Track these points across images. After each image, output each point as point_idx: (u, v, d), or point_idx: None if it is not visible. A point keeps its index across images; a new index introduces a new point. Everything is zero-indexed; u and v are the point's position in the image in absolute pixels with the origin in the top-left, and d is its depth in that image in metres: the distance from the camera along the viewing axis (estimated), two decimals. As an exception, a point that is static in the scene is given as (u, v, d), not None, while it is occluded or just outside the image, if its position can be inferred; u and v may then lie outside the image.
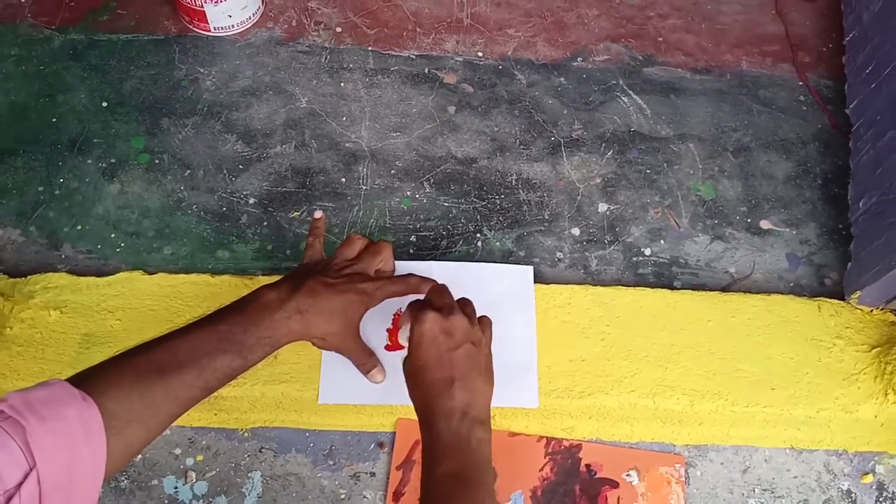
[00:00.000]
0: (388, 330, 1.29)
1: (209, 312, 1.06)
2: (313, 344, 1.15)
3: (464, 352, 1.07)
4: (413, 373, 1.09)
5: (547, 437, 1.35)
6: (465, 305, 1.16)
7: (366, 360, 1.21)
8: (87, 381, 0.89)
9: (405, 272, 1.30)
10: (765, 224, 1.51)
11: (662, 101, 1.64)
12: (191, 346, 0.99)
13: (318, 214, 1.26)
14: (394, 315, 1.30)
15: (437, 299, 1.14)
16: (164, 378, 0.95)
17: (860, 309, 1.38)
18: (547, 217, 1.48)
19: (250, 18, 1.65)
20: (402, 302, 1.30)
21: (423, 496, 1.00)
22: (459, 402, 1.03)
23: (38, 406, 0.80)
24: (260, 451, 1.34)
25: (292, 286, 1.10)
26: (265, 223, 1.44)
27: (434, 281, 1.24)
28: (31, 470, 0.76)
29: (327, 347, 1.17)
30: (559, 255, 1.45)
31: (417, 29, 1.70)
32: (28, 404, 0.80)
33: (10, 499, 0.74)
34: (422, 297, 1.21)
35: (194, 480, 1.31)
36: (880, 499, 1.37)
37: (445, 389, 1.04)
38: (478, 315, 1.16)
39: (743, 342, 1.33)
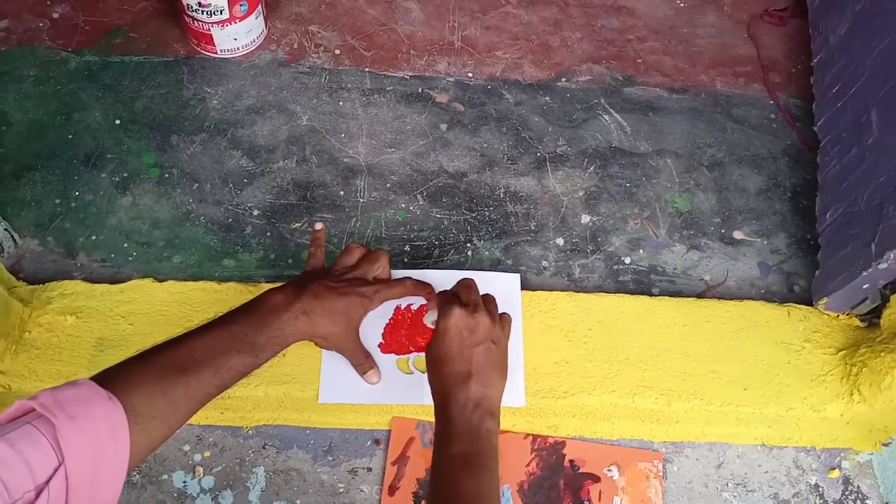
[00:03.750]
0: (383, 329, 1.30)
1: (221, 314, 1.07)
2: (315, 343, 1.18)
3: (483, 349, 1.09)
4: (434, 361, 1.11)
5: (533, 435, 1.35)
6: (488, 303, 1.17)
7: (363, 361, 1.23)
8: (113, 379, 0.89)
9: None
10: (738, 234, 1.51)
11: (641, 118, 1.64)
12: (207, 346, 1.01)
13: (318, 226, 1.27)
14: (390, 318, 1.31)
15: (465, 294, 1.16)
16: (184, 376, 0.96)
17: (827, 314, 1.38)
18: (533, 228, 1.49)
19: (254, 41, 1.66)
20: (399, 303, 1.31)
21: (433, 473, 1.02)
22: (474, 394, 1.05)
23: (66, 404, 0.81)
24: (263, 448, 1.34)
25: (298, 289, 1.11)
26: (268, 233, 1.44)
27: (429, 285, 1.25)
28: (59, 465, 0.77)
29: (329, 347, 1.19)
30: (544, 263, 1.45)
31: (411, 51, 1.70)
32: (58, 403, 0.80)
33: (39, 493, 0.75)
34: (421, 300, 1.26)
35: (202, 475, 1.31)
36: (846, 492, 1.37)
37: (463, 381, 1.06)
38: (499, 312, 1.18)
39: (717, 345, 1.34)
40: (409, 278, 1.25)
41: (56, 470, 0.77)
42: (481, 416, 1.04)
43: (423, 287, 1.26)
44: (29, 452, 0.76)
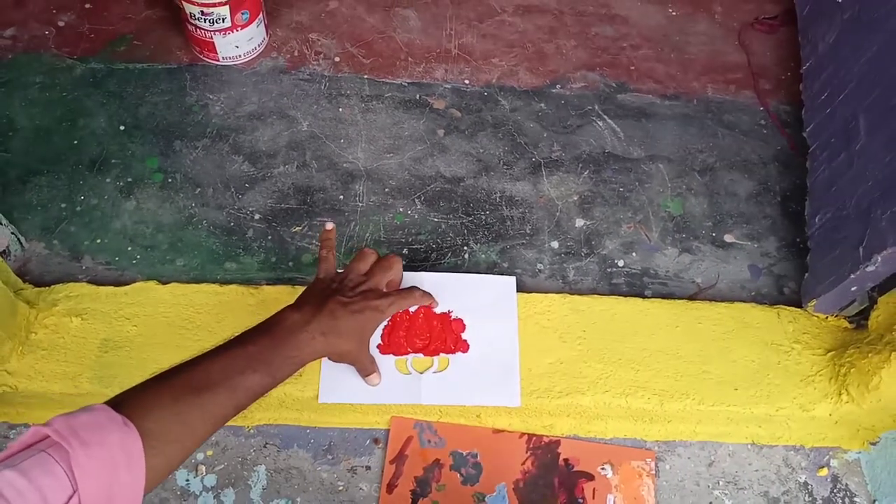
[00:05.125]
0: (382, 330, 1.30)
1: (237, 335, 1.06)
2: (329, 358, 1.19)
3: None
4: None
5: (528, 434, 1.35)
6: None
7: (371, 369, 1.23)
8: (128, 404, 0.88)
9: (404, 283, 1.31)
10: (728, 238, 1.52)
11: (634, 124, 1.65)
12: (223, 366, 0.99)
13: (329, 226, 1.26)
14: (388, 320, 1.31)
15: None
16: (200, 398, 0.94)
17: (816, 316, 1.38)
18: (528, 231, 1.49)
19: (256, 49, 1.66)
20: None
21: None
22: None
23: (81, 431, 0.80)
24: (264, 447, 1.34)
25: (314, 308, 1.10)
26: (269, 237, 1.45)
27: (431, 296, 1.27)
28: (73, 493, 0.76)
29: (342, 361, 1.19)
30: (539, 266, 1.46)
31: (409, 59, 1.71)
32: (72, 430, 0.80)
33: None
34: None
35: (204, 473, 1.31)
36: (834, 490, 1.38)
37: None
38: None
39: (708, 346, 1.34)
40: (416, 288, 1.25)
41: (70, 498, 0.76)
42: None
43: (428, 298, 1.27)
44: (43, 481, 0.75)
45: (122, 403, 0.88)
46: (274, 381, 1.03)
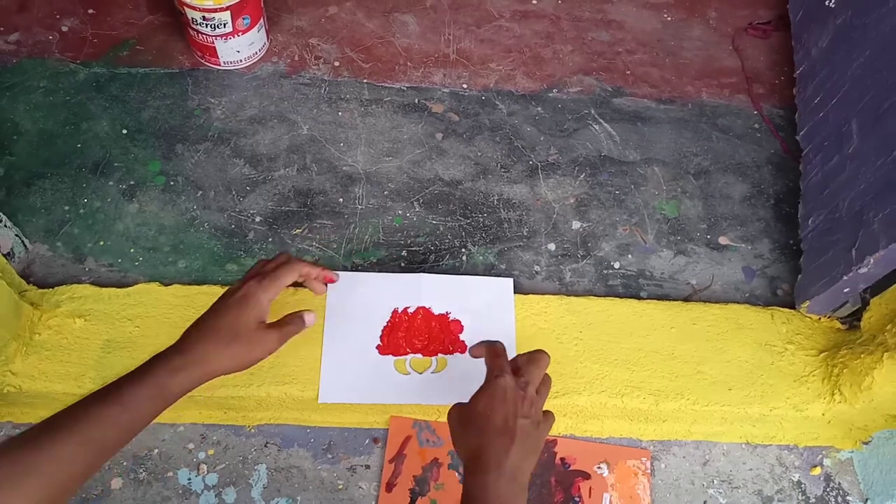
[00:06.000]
0: (381, 331, 1.30)
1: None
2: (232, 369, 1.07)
3: (528, 423, 1.02)
4: (476, 416, 1.04)
5: (526, 433, 1.36)
6: (543, 385, 1.11)
7: (297, 326, 1.15)
8: None
9: (398, 284, 1.32)
10: (723, 240, 1.52)
11: (630, 128, 1.65)
12: (66, 409, 0.92)
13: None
14: (388, 320, 1.31)
15: (525, 368, 1.10)
16: (34, 440, 0.87)
17: (809, 317, 1.39)
18: (525, 234, 1.49)
19: (257, 54, 1.66)
20: (399, 302, 1.31)
21: None
22: (512, 463, 0.98)
23: None
24: (265, 446, 1.35)
25: (178, 341, 1.04)
26: (270, 239, 1.45)
27: (329, 271, 1.24)
28: None
29: (247, 362, 1.08)
30: (536, 268, 1.46)
31: (408, 63, 1.71)
32: None
33: None
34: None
35: (206, 472, 1.32)
36: (827, 489, 1.38)
37: (504, 446, 1.00)
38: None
39: (703, 347, 1.34)
40: (302, 260, 1.19)
41: None
42: (518, 488, 0.98)
43: (317, 269, 1.22)
44: None
45: None
46: (126, 411, 0.94)
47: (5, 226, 1.35)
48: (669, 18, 1.84)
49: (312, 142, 1.57)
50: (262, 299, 1.10)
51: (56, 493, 0.86)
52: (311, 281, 1.24)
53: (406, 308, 1.32)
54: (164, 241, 1.43)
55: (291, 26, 1.74)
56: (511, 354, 1.29)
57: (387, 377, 1.26)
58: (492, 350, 1.14)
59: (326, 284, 1.27)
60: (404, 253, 1.45)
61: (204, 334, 1.05)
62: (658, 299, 1.42)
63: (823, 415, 1.32)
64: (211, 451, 1.33)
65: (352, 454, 1.35)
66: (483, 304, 1.34)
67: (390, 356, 1.28)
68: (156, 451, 1.32)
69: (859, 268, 1.22)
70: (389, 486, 1.31)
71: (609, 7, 1.85)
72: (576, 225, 1.51)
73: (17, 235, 1.37)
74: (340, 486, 1.32)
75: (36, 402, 1.29)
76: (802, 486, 1.38)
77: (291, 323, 1.14)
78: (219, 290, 1.34)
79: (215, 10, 1.51)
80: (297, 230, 1.46)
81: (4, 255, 1.30)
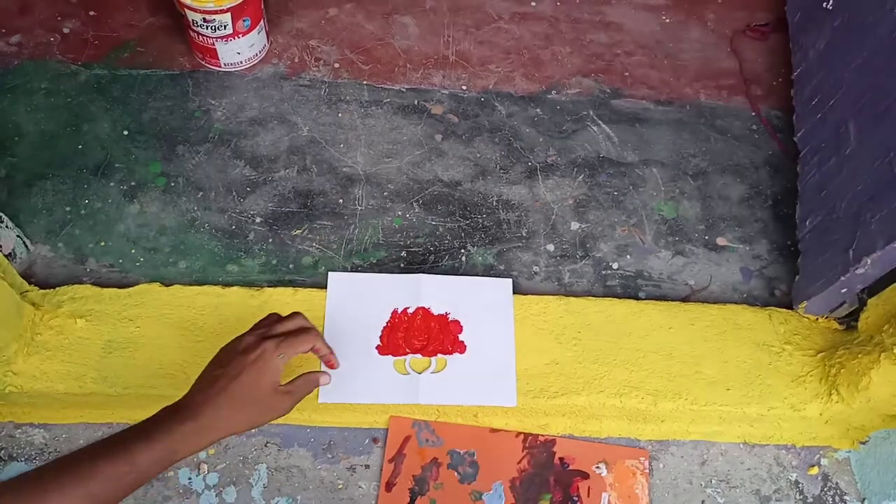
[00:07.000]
0: (381, 331, 1.30)
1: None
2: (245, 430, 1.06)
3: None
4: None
5: (524, 433, 1.36)
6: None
7: (310, 389, 1.13)
8: None
9: (398, 285, 1.32)
10: (721, 241, 1.52)
11: (628, 129, 1.65)
12: (74, 456, 0.92)
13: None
14: (387, 321, 1.31)
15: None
16: (42, 488, 0.88)
17: (807, 317, 1.39)
18: (524, 234, 1.49)
19: (257, 55, 1.66)
20: (398, 302, 1.31)
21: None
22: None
23: None
24: (265, 446, 1.35)
25: (188, 394, 1.02)
26: (270, 240, 1.45)
27: (333, 357, 1.21)
28: None
29: (260, 423, 1.07)
30: (535, 268, 1.46)
31: (408, 65, 1.71)
32: None
33: None
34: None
35: (206, 472, 1.32)
36: (825, 488, 1.38)
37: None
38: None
39: (701, 347, 1.34)
40: (313, 328, 1.15)
41: None
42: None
43: (318, 340, 1.16)
44: None
45: None
46: (135, 469, 0.92)
47: (7, 227, 1.35)
48: (668, 20, 1.84)
49: (312, 143, 1.57)
50: (279, 364, 1.06)
51: None
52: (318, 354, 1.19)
53: (405, 308, 1.32)
54: (165, 242, 1.43)
55: (291, 28, 1.74)
56: (510, 354, 1.29)
57: (386, 377, 1.26)
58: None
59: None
60: (404, 254, 1.45)
61: (218, 398, 1.01)
62: (656, 300, 1.42)
63: (821, 415, 1.32)
64: (211, 451, 1.33)
65: (352, 454, 1.35)
66: (482, 305, 1.34)
67: (390, 356, 1.28)
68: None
69: (857, 268, 1.22)
70: (389, 486, 1.31)
71: (607, 9, 1.85)
72: (574, 226, 1.51)
73: (18, 236, 1.37)
74: (340, 486, 1.32)
75: (37, 402, 1.29)
76: (800, 485, 1.38)
77: (305, 386, 1.12)
78: (219, 291, 1.34)
79: (216, 12, 1.51)
80: (297, 231, 1.46)
81: (6, 256, 1.30)
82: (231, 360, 1.04)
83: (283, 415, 1.07)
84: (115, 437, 0.94)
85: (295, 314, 1.14)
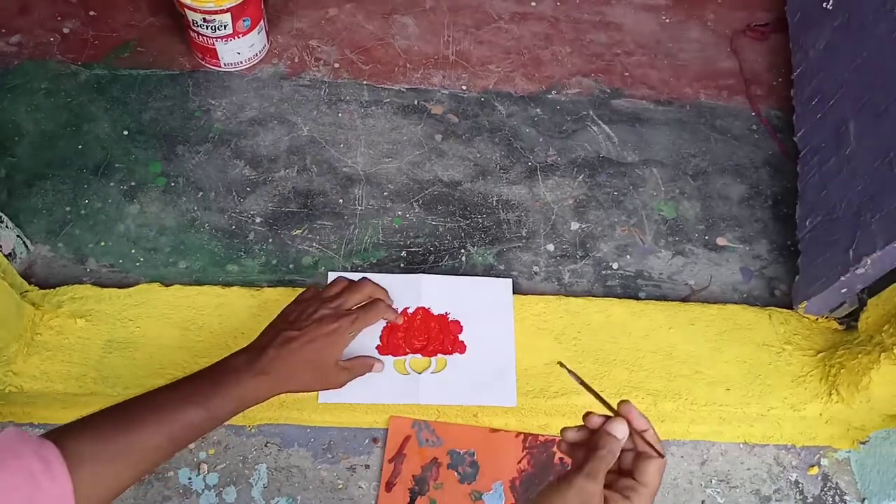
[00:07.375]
0: (381, 331, 1.30)
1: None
2: (292, 391, 1.13)
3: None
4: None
5: (524, 433, 1.35)
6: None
7: (363, 372, 1.22)
8: (55, 432, 0.87)
9: (398, 285, 1.31)
10: (721, 241, 1.52)
11: (629, 129, 1.65)
12: (154, 399, 0.98)
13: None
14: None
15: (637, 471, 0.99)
16: (128, 425, 0.93)
17: (807, 317, 1.38)
18: (524, 234, 1.49)
19: (257, 55, 1.66)
20: (398, 303, 1.31)
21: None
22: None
23: None
24: (265, 446, 1.34)
25: (259, 349, 1.08)
26: (270, 240, 1.45)
27: (394, 310, 1.27)
28: None
29: (308, 390, 1.17)
30: (535, 268, 1.46)
31: (407, 65, 1.71)
32: None
33: None
34: None
35: (206, 472, 1.32)
36: (825, 488, 1.38)
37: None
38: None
39: (701, 347, 1.34)
40: (381, 301, 1.24)
41: None
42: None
43: (392, 311, 1.27)
44: None
45: (50, 434, 0.87)
46: (210, 416, 1.00)
47: (7, 227, 1.35)
48: (668, 20, 1.84)
49: (312, 143, 1.57)
50: (349, 340, 1.17)
51: (135, 478, 0.93)
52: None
53: (405, 308, 1.31)
54: (165, 242, 1.43)
55: (291, 28, 1.73)
56: (510, 354, 1.29)
57: (386, 377, 1.26)
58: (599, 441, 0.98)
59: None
60: (404, 254, 1.45)
61: (289, 357, 1.09)
62: (656, 300, 1.42)
63: (821, 415, 1.32)
64: (211, 451, 1.33)
65: (351, 454, 1.35)
66: (482, 305, 1.34)
67: (390, 356, 1.28)
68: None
69: (857, 268, 1.22)
70: (389, 486, 1.31)
71: (607, 9, 1.84)
72: (574, 226, 1.51)
73: (18, 236, 1.37)
74: (340, 486, 1.32)
75: (38, 402, 1.29)
76: (800, 485, 1.38)
77: (361, 367, 1.21)
78: (219, 291, 1.34)
79: (216, 12, 1.51)
80: (297, 231, 1.46)
81: (6, 256, 1.30)
82: (307, 325, 1.13)
83: (336, 388, 1.18)
84: (191, 385, 1.02)
85: (365, 281, 1.24)
